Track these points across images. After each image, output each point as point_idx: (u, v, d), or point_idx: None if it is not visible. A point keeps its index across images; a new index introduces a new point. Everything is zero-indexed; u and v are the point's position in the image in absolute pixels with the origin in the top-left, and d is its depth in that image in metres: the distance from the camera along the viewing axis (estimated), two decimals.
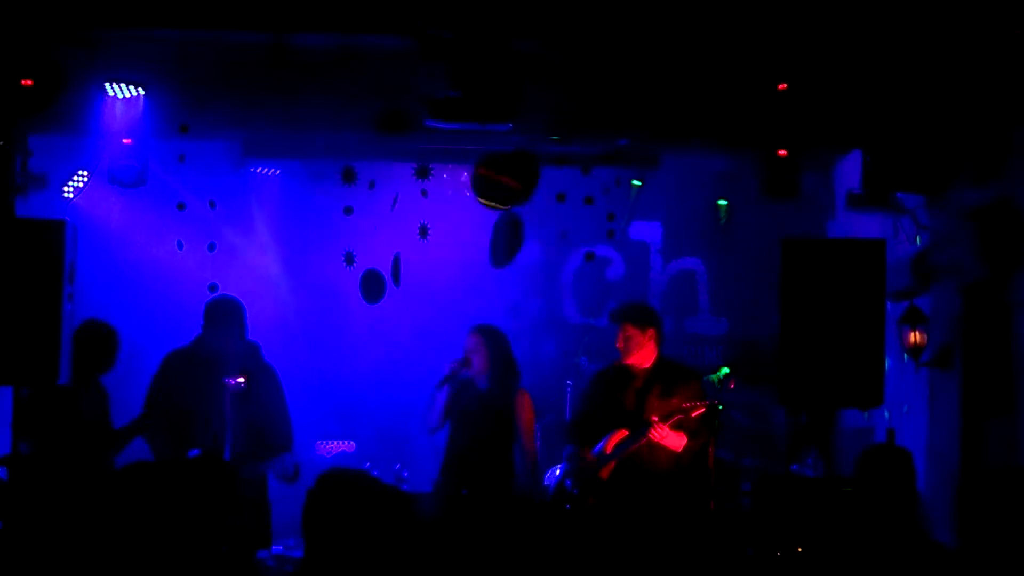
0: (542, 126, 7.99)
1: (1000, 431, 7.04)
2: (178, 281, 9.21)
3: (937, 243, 7.74)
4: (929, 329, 7.77)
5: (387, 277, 8.82)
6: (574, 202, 8.91)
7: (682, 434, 7.15)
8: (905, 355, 7.88)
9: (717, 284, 10.09)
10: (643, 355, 7.40)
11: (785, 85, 6.98)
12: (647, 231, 10.16)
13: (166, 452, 7.28)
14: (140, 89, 7.38)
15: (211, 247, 8.90)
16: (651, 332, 7.41)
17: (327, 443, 8.35)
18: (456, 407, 7.63)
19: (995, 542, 4.65)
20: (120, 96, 7.38)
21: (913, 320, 7.77)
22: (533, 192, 8.04)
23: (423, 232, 8.89)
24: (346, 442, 8.39)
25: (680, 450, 7.18)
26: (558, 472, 7.99)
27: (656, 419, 7.11)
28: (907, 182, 7.41)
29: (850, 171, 8.30)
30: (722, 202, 9.46)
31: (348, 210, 8.73)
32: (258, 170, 9.55)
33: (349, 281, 9.00)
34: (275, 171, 9.61)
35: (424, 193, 8.81)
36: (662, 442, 7.12)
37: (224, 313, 7.53)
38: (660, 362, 7.45)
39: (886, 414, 8.22)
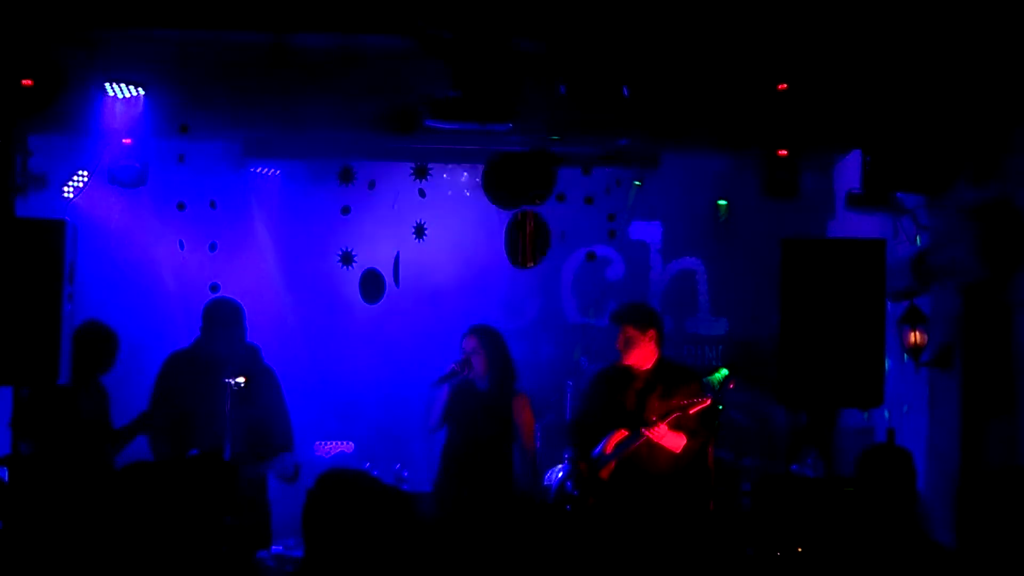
0: (542, 126, 7.99)
1: (1000, 431, 7.04)
2: (178, 281, 9.21)
3: (937, 243, 7.74)
4: (929, 329, 7.77)
5: (387, 277, 8.82)
6: (574, 202, 8.91)
7: (681, 434, 7.15)
8: (905, 355, 7.88)
9: (717, 284, 10.09)
10: (644, 356, 7.39)
11: (785, 85, 6.98)
12: (647, 231, 10.16)
13: (166, 452, 7.28)
14: (140, 89, 7.38)
15: (212, 247, 8.90)
16: (651, 333, 7.40)
17: (326, 443, 8.35)
18: (455, 408, 7.64)
19: (995, 542, 4.65)
20: (120, 96, 7.38)
21: (913, 320, 7.77)
22: (549, 193, 8.05)
23: (423, 232, 8.89)
24: (345, 442, 8.40)
25: (680, 450, 7.17)
26: (559, 472, 7.99)
27: (654, 418, 7.12)
28: (907, 182, 7.42)
29: (850, 171, 8.31)
30: (722, 202, 9.47)
31: (345, 210, 8.73)
32: (258, 170, 9.55)
33: (349, 281, 9.00)
34: (275, 171, 9.61)
35: (422, 193, 8.79)
36: (660, 441, 7.12)
37: (224, 315, 7.53)
38: (661, 363, 7.44)
39: (886, 414, 8.22)
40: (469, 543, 6.60)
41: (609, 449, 7.29)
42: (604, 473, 7.31)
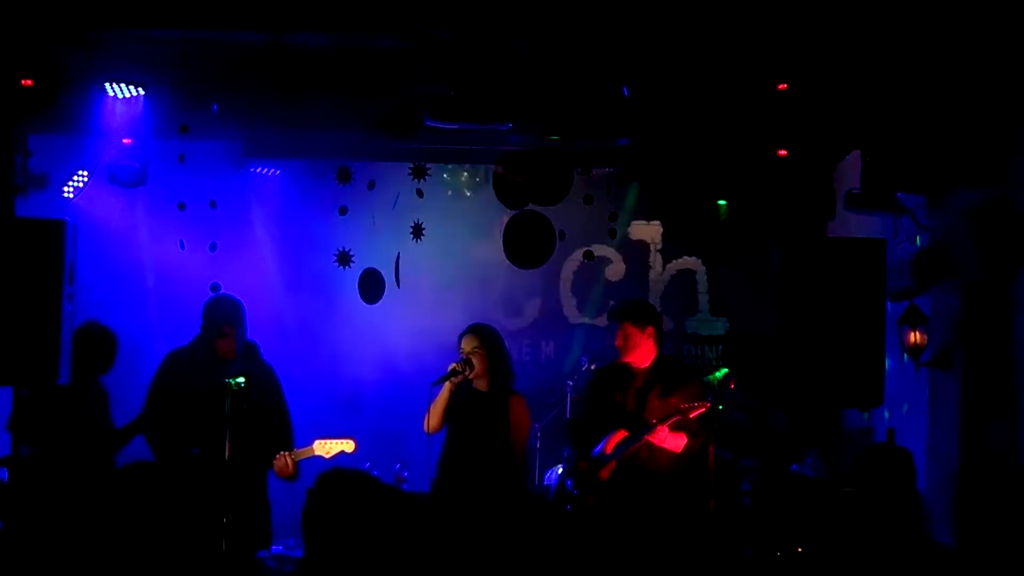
0: (542, 126, 7.99)
1: (1000, 431, 7.04)
2: (178, 281, 9.21)
3: (937, 243, 7.74)
4: (929, 329, 7.77)
5: (387, 277, 8.82)
6: (574, 202, 8.90)
7: (682, 434, 7.13)
8: (905, 355, 7.88)
9: (717, 284, 10.09)
10: (642, 353, 7.36)
11: (785, 85, 6.99)
12: (647, 231, 10.17)
13: (166, 452, 7.28)
14: (140, 89, 7.39)
15: (212, 247, 8.90)
16: (650, 330, 7.36)
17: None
18: (454, 408, 7.63)
19: (995, 542, 4.66)
20: (120, 96, 7.39)
21: (913, 320, 7.77)
22: (565, 193, 8.02)
23: (421, 232, 8.88)
24: (345, 442, 8.38)
25: (680, 451, 7.16)
26: (560, 472, 7.99)
27: (655, 421, 7.10)
28: (907, 182, 7.42)
29: (850, 171, 8.31)
30: (722, 202, 9.46)
31: (343, 210, 8.72)
32: (258, 170, 9.55)
33: (349, 281, 9.00)
34: (275, 171, 9.62)
35: (420, 193, 8.78)
36: (662, 444, 7.11)
37: (225, 312, 7.52)
38: (660, 360, 7.41)
39: (886, 414, 8.22)
40: (469, 543, 6.60)
41: (609, 449, 7.28)
42: (604, 473, 7.30)
